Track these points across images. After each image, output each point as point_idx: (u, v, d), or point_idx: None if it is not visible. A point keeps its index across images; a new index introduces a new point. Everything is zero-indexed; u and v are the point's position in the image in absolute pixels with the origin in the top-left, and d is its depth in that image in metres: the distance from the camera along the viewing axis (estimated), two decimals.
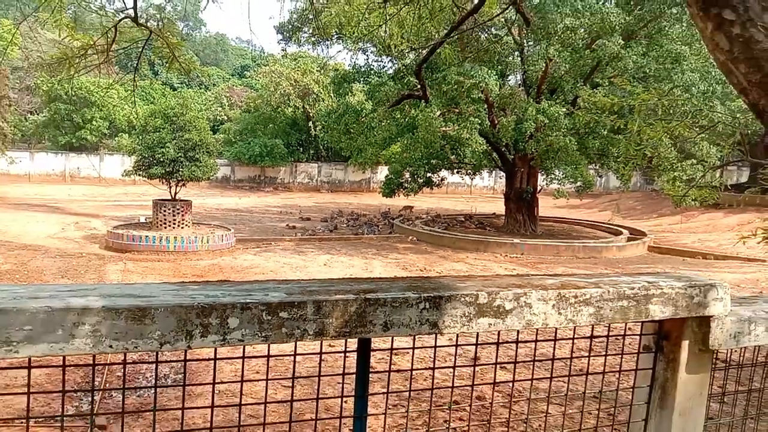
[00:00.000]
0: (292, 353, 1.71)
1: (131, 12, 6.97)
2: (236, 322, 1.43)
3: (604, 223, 24.06)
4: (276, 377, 4.51)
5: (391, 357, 1.86)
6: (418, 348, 1.85)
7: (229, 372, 5.22)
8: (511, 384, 2.43)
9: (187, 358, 1.55)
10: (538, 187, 20.78)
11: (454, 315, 1.64)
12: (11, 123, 29.61)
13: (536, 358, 2.01)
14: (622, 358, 2.24)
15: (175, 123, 16.04)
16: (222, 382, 2.81)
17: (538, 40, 17.80)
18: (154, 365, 5.06)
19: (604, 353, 2.07)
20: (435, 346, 1.85)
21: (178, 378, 5.27)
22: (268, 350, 1.61)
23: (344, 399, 1.75)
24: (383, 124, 19.97)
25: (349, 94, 24.94)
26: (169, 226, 15.87)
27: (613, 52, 15.98)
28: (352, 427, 1.77)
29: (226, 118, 45.44)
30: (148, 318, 1.36)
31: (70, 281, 10.79)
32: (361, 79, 23.74)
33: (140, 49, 7.68)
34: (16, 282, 10.51)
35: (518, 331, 1.82)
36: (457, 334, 1.70)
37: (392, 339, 1.70)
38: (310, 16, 22.45)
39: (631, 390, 2.13)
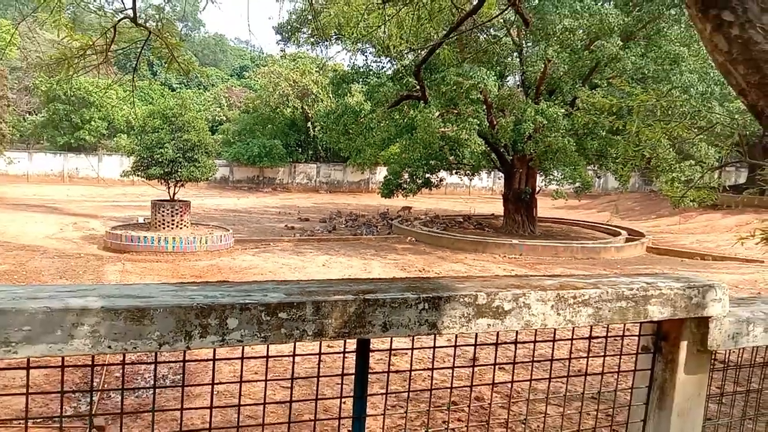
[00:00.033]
0: (291, 354, 1.71)
1: (130, 12, 6.96)
2: (235, 323, 1.43)
3: (602, 223, 24.08)
4: (275, 378, 4.52)
5: (390, 358, 1.86)
6: (417, 348, 1.85)
7: (228, 372, 5.21)
8: (509, 385, 2.43)
9: (186, 358, 1.55)
10: (537, 188, 20.79)
11: (453, 316, 1.64)
12: (10, 123, 29.57)
13: (535, 359, 2.02)
14: (620, 358, 2.24)
15: (173, 123, 16.04)
16: (221, 383, 2.81)
17: (537, 41, 17.82)
18: (152, 366, 5.05)
19: (602, 354, 2.07)
20: (434, 347, 1.85)
21: (177, 378, 5.27)
22: (267, 351, 1.61)
23: (343, 400, 1.75)
24: (382, 124, 19.97)
25: (348, 94, 24.94)
26: (168, 226, 15.86)
27: (612, 53, 16.00)
28: (351, 428, 1.77)
29: (224, 118, 45.42)
30: (147, 319, 1.36)
31: (69, 282, 10.78)
32: (360, 79, 23.75)
33: (139, 50, 7.67)
34: (14, 282, 10.50)
35: (517, 332, 1.82)
36: (456, 335, 1.70)
37: (391, 340, 1.70)
38: (309, 17, 22.44)
39: (630, 391, 2.13)
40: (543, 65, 17.21)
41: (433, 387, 1.94)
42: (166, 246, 14.84)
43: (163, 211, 15.94)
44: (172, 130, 15.95)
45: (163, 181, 16.29)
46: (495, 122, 18.03)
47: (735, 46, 1.76)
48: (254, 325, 1.44)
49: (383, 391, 3.61)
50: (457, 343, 1.85)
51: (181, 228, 16.00)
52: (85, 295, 1.38)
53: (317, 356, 1.69)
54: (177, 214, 16.02)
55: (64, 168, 37.35)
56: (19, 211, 21.80)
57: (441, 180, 23.04)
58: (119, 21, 7.22)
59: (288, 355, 1.71)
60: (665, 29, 17.02)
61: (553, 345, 1.99)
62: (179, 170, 15.75)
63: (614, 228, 21.92)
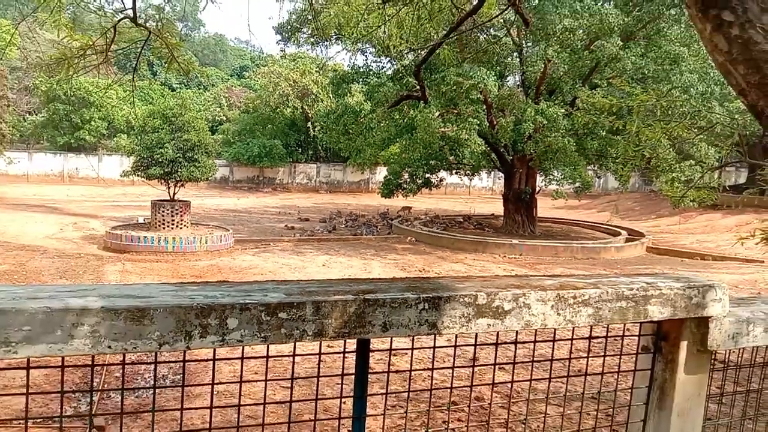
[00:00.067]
0: (291, 354, 1.71)
1: (130, 12, 6.96)
2: (235, 323, 1.43)
3: (602, 223, 24.08)
4: (275, 378, 4.52)
5: (390, 358, 1.86)
6: (417, 348, 1.85)
7: (228, 373, 5.22)
8: (509, 385, 2.43)
9: (186, 358, 1.55)
10: (537, 188, 20.79)
11: (453, 316, 1.64)
12: (10, 123, 29.57)
13: (535, 359, 2.02)
14: (620, 358, 2.24)
15: (173, 123, 16.04)
16: (221, 383, 2.81)
17: (537, 41, 17.82)
18: (152, 366, 5.05)
19: (602, 354, 2.07)
20: (434, 347, 1.85)
21: (177, 378, 5.27)
22: (267, 351, 1.61)
23: (343, 400, 1.74)
24: (382, 124, 19.97)
25: (348, 94, 24.94)
26: (168, 226, 15.86)
27: (612, 53, 16.00)
28: (351, 428, 1.77)
29: (224, 118, 45.42)
30: (147, 319, 1.36)
31: (69, 282, 10.78)
32: (360, 79, 23.75)
33: (139, 50, 7.67)
34: (14, 282, 10.50)
35: (517, 332, 1.82)
36: (456, 335, 1.70)
37: (391, 340, 1.70)
38: (309, 17, 22.44)
39: (630, 391, 2.13)
40: (543, 65, 17.21)
41: (433, 387, 1.94)
42: (166, 246, 14.84)
43: (163, 211, 15.94)
44: (172, 130, 15.95)
45: (163, 181, 16.29)
46: (495, 122, 18.03)
47: (735, 46, 1.76)
48: (254, 325, 1.44)
49: (383, 391, 3.61)
50: (457, 343, 1.85)
51: (181, 228, 16.00)
52: (85, 295, 1.38)
53: (317, 356, 1.69)
54: (177, 214, 16.03)
55: (64, 168, 37.35)
56: (19, 211, 21.80)
57: (441, 180, 23.05)
58: (119, 21, 7.22)
59: (288, 355, 1.71)
60: (665, 29, 17.02)
61: (553, 345, 1.99)
62: (179, 170, 15.75)
63: (614, 228, 21.92)
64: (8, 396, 3.88)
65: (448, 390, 1.95)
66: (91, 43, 7.75)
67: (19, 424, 3.57)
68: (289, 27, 28.72)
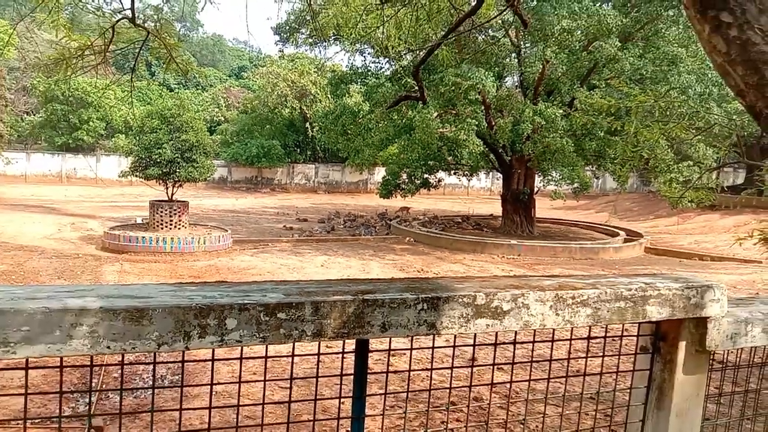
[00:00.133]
0: (290, 354, 1.71)
1: (128, 13, 6.95)
2: (234, 323, 1.43)
3: (600, 224, 24.10)
4: (274, 378, 4.51)
5: (389, 358, 1.86)
6: (415, 349, 1.85)
7: (226, 373, 5.21)
8: (508, 385, 2.43)
9: (185, 359, 1.55)
10: (535, 189, 20.81)
11: (452, 316, 1.64)
12: (8, 123, 29.55)
13: (534, 359, 2.02)
14: (619, 359, 2.24)
15: (172, 124, 16.03)
16: (219, 383, 2.81)
17: (535, 41, 17.84)
18: (151, 366, 5.05)
19: (601, 354, 2.07)
20: (433, 347, 1.85)
21: (176, 379, 5.26)
22: (266, 351, 1.61)
23: (342, 400, 1.74)
24: (380, 125, 19.97)
25: (347, 95, 24.95)
26: (166, 227, 15.85)
27: (610, 54, 16.02)
28: (349, 428, 1.77)
29: (223, 119, 45.40)
30: (146, 319, 1.35)
31: (67, 282, 10.76)
32: (359, 80, 23.76)
33: (137, 50, 7.66)
34: (12, 283, 10.48)
35: (516, 332, 1.82)
36: (455, 335, 1.70)
37: (390, 340, 1.70)
38: (308, 18, 22.45)
39: (629, 391, 2.13)
40: (541, 66, 17.23)
41: (431, 387, 1.94)
42: (164, 246, 14.83)
43: (161, 212, 15.92)
44: (170, 131, 15.95)
45: (161, 181, 16.28)
46: (493, 123, 18.04)
47: (733, 47, 1.76)
48: (253, 325, 1.44)
49: (382, 391, 3.61)
50: (456, 344, 1.85)
51: (179, 228, 15.98)
52: (83, 295, 1.38)
53: (316, 356, 1.69)
54: (175, 214, 16.01)
55: (62, 168, 37.30)
56: (17, 212, 21.77)
57: (439, 180, 23.07)
58: (117, 21, 7.22)
59: (287, 356, 1.71)
60: (663, 30, 17.05)
61: (552, 345, 1.99)
62: (177, 170, 15.74)
63: (612, 228, 21.95)
64: (6, 396, 3.87)
65: (447, 390, 1.95)
66: (89, 43, 7.74)
67: (18, 424, 3.57)
68: (287, 27, 28.77)
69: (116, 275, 11.88)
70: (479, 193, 41.05)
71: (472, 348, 1.92)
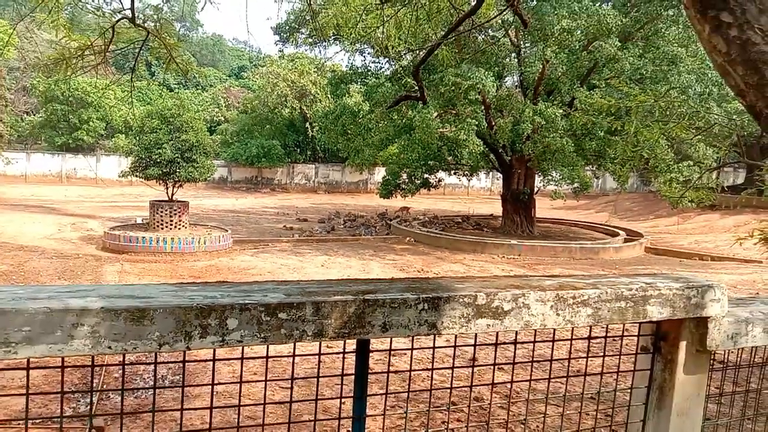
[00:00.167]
0: (291, 354, 1.71)
1: (128, 13, 6.95)
2: (235, 323, 1.43)
3: (600, 224, 24.11)
4: (274, 378, 4.51)
5: (389, 358, 1.86)
6: (416, 349, 1.85)
7: (228, 373, 5.21)
8: (509, 385, 2.43)
9: (186, 359, 1.55)
10: (535, 189, 20.81)
11: (453, 316, 1.64)
12: (8, 124, 29.56)
13: (534, 359, 2.02)
14: (619, 359, 2.24)
15: (172, 124, 16.03)
16: (220, 383, 2.82)
17: (535, 41, 17.83)
18: (152, 366, 5.05)
19: (602, 354, 2.08)
20: (433, 347, 1.85)
21: (177, 379, 5.27)
22: (267, 351, 1.61)
23: (343, 400, 1.75)
24: (380, 125, 19.97)
25: (347, 95, 24.95)
26: (166, 227, 15.85)
27: (610, 54, 16.02)
28: (350, 429, 1.77)
29: (223, 119, 45.40)
30: (147, 319, 1.36)
31: (68, 282, 10.76)
32: (359, 80, 23.76)
33: (137, 50, 7.66)
34: (12, 283, 10.49)
35: (516, 332, 1.82)
36: (456, 335, 1.70)
37: (391, 340, 1.70)
38: (308, 18, 22.45)
39: (629, 391, 2.14)
40: (541, 66, 17.23)
41: (432, 387, 1.94)
42: (165, 246, 14.83)
43: (162, 212, 15.93)
44: (170, 131, 15.95)
45: (161, 181, 16.28)
46: (493, 123, 18.04)
47: (733, 47, 1.76)
48: (254, 325, 1.44)
49: (383, 391, 3.61)
50: (457, 344, 1.85)
51: (179, 228, 15.98)
52: (85, 295, 1.38)
53: (317, 357, 1.69)
54: (175, 214, 16.01)
55: (62, 168, 37.31)
56: (17, 212, 21.77)
57: (439, 180, 23.07)
58: (117, 21, 7.22)
59: (288, 356, 1.71)
60: (663, 30, 17.05)
61: (553, 345, 1.99)
62: (177, 171, 15.74)
63: (613, 228, 21.96)
64: (7, 397, 3.87)
65: (448, 390, 1.95)
66: (89, 43, 7.74)
67: (19, 424, 3.57)
68: (287, 27, 28.76)
69: (117, 275, 11.89)
70: (479, 193, 41.06)
71: (472, 348, 1.92)
